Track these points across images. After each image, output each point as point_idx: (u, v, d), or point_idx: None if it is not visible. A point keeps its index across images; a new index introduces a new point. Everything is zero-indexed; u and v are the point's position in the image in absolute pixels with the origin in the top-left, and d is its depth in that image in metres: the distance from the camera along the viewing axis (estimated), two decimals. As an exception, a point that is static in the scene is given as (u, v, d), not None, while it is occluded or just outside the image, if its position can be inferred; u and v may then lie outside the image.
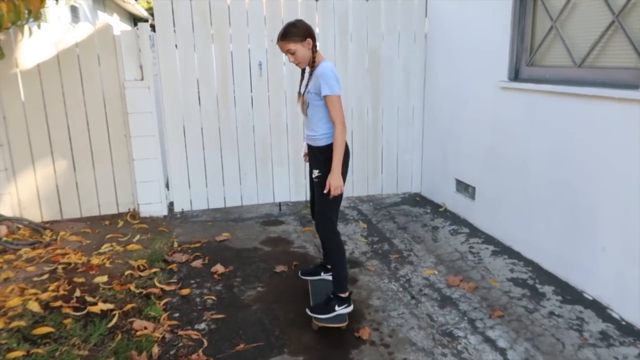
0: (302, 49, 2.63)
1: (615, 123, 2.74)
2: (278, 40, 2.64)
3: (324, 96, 2.61)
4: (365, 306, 3.02)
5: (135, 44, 4.27)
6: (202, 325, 2.78)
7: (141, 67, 4.31)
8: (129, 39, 4.27)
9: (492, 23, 3.78)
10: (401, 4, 4.77)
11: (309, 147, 2.87)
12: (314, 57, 2.68)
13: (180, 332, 2.68)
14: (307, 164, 2.99)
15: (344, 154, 2.68)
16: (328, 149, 2.69)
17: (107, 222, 4.39)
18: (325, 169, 2.69)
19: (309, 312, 2.79)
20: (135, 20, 18.10)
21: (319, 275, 3.24)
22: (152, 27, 4.48)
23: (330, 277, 3.00)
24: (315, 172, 2.77)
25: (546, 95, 3.25)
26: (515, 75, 3.63)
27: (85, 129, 4.37)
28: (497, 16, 3.71)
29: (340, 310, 2.75)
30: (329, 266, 3.14)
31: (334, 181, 2.64)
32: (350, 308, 2.82)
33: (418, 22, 4.85)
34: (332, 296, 2.79)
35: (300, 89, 2.83)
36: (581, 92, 2.92)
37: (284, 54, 2.72)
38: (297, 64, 2.71)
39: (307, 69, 2.76)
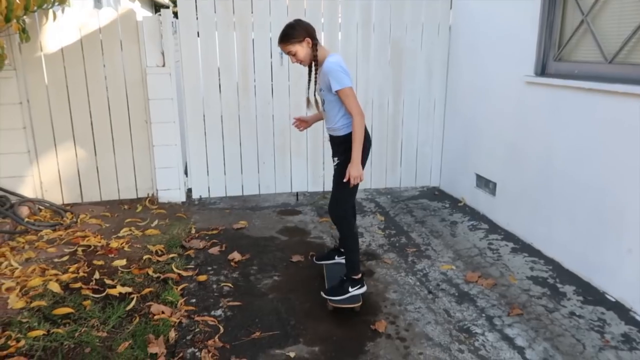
0: (302, 49, 2.67)
1: (646, 121, 2.66)
2: (278, 43, 2.70)
3: (336, 91, 2.64)
4: (382, 299, 3.00)
5: (157, 30, 4.28)
6: (219, 312, 2.80)
7: (163, 54, 4.32)
8: (151, 25, 4.27)
9: (519, 16, 3.69)
10: (426, -5, 4.69)
11: (331, 137, 2.93)
12: (316, 55, 2.70)
13: (197, 318, 2.70)
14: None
15: (365, 142, 2.72)
16: (347, 138, 2.72)
17: (126, 207, 4.43)
18: (344, 157, 2.74)
19: (323, 295, 2.87)
20: (156, 6, 18.18)
21: (333, 259, 3.31)
22: (175, 14, 4.48)
23: (343, 261, 3.11)
24: (335, 160, 2.85)
25: (574, 91, 3.17)
26: (542, 70, 3.54)
27: (107, 114, 4.41)
28: (525, 9, 3.61)
29: (353, 291, 2.84)
30: (342, 250, 3.21)
31: (353, 171, 2.67)
32: (364, 289, 2.91)
33: (442, 14, 4.77)
34: (345, 278, 2.88)
35: (307, 94, 2.88)
36: (612, 89, 2.84)
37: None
38: (300, 63, 2.75)
39: (313, 68, 2.80)
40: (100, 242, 3.61)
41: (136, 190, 4.62)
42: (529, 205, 3.72)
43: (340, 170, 2.78)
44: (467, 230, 4.07)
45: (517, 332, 2.67)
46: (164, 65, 4.33)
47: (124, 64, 4.34)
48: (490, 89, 4.14)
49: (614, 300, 2.94)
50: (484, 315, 2.84)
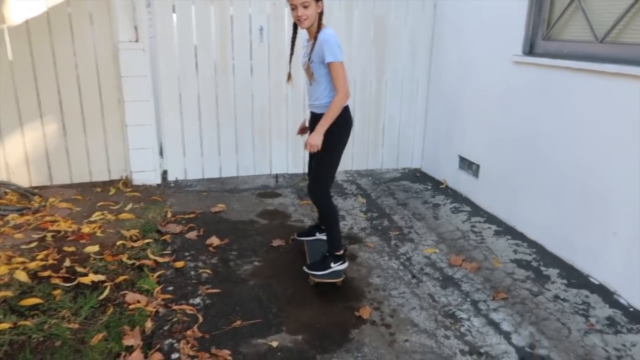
0: (314, 8, 2.57)
1: (636, 103, 2.61)
2: None
3: (328, 63, 2.58)
4: (365, 284, 2.93)
5: (130, 2, 4.04)
6: (197, 300, 2.69)
7: (136, 28, 4.09)
8: (123, -2, 4.03)
9: (507, -7, 3.60)
10: (410, -29, 4.55)
11: (313, 115, 2.87)
12: (319, 23, 2.63)
13: (175, 307, 2.58)
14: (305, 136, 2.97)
15: (346, 125, 2.77)
16: None
17: (98, 189, 4.24)
18: (327, 136, 2.68)
19: (305, 270, 2.88)
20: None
21: (314, 235, 3.29)
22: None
23: (324, 237, 3.12)
24: None
25: (563, 71, 3.10)
26: (530, 49, 3.46)
27: (77, 92, 4.17)
28: (513, -14, 3.52)
29: (335, 267, 2.86)
30: (323, 227, 3.21)
31: (312, 139, 2.64)
32: (345, 265, 2.93)
33: (427, -10, 4.65)
34: (327, 254, 2.89)
35: (289, 67, 2.88)
36: (602, 69, 2.77)
37: (286, 16, 2.62)
38: (302, 20, 2.58)
39: (307, 41, 2.73)
40: (70, 227, 3.44)
41: (109, 172, 4.42)
42: (512, 187, 3.68)
43: (322, 148, 2.70)
44: (450, 213, 4.02)
45: (503, 316, 2.64)
46: (137, 41, 4.11)
47: (95, 38, 4.10)
48: (476, 68, 4.06)
49: (597, 283, 2.93)
50: (469, 299, 2.80)
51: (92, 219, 3.62)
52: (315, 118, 2.82)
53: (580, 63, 2.94)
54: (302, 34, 2.84)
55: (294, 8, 2.57)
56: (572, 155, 3.08)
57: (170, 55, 4.25)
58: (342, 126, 2.76)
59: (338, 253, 2.89)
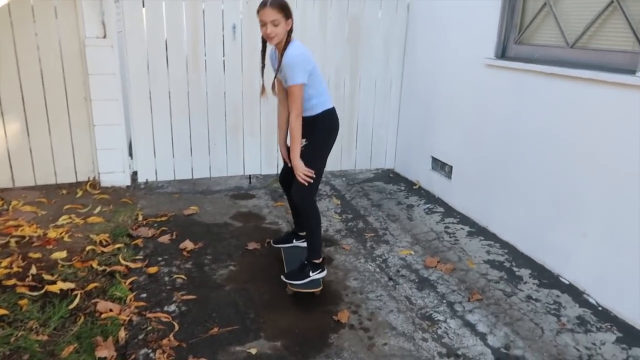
0: (283, 26, 2.57)
1: (608, 108, 2.68)
2: (266, 6, 2.50)
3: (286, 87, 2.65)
4: (343, 287, 2.93)
5: (97, -3, 3.90)
6: (172, 307, 2.62)
7: (104, 24, 3.95)
8: (90, -8, 3.89)
9: (480, -3, 3.64)
10: (384, -29, 4.56)
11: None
12: (288, 40, 2.62)
13: (149, 315, 2.51)
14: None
15: (331, 131, 2.84)
16: (317, 118, 2.76)
17: (64, 192, 4.08)
18: (313, 139, 2.75)
19: (283, 279, 2.83)
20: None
21: (291, 242, 3.26)
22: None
23: (301, 244, 3.12)
24: (304, 141, 2.74)
25: (535, 75, 3.16)
26: (503, 52, 3.52)
27: (41, 90, 4.00)
28: (486, -10, 3.57)
29: (314, 275, 2.81)
30: (300, 233, 3.21)
31: (297, 170, 2.71)
32: (324, 273, 2.88)
33: (401, -9, 4.66)
34: (306, 262, 2.83)
35: (262, 80, 2.97)
36: (573, 74, 2.84)
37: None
38: (271, 38, 2.57)
39: (275, 52, 2.75)
40: (36, 232, 3.29)
41: (75, 173, 4.26)
42: (485, 188, 3.74)
43: (306, 153, 2.74)
44: (424, 214, 4.06)
45: (478, 317, 2.68)
46: (105, 37, 3.97)
47: (60, 33, 3.93)
48: (449, 70, 4.10)
49: (567, 283, 3.01)
50: (445, 301, 2.83)
51: (58, 223, 3.48)
52: (303, 122, 2.72)
53: (551, 68, 3.00)
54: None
55: (263, 25, 2.55)
56: (544, 158, 3.15)
57: (140, 52, 4.12)
58: (329, 131, 2.83)
59: (317, 261, 2.83)
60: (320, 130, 2.78)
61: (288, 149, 2.87)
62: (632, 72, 2.54)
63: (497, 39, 3.50)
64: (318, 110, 2.75)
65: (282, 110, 2.98)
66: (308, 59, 2.63)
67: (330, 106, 2.80)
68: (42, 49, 3.92)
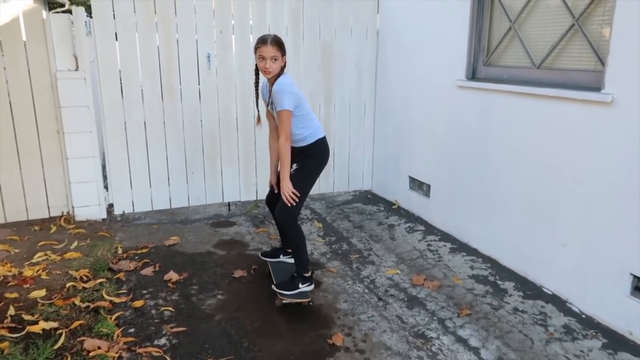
0: (280, 62, 2.76)
1: (576, 123, 2.83)
2: (267, 44, 2.70)
3: (277, 111, 2.77)
4: (334, 310, 2.92)
5: (68, 30, 3.86)
6: (163, 341, 2.55)
7: (75, 57, 3.90)
8: (61, 25, 3.85)
9: (448, 22, 3.80)
10: (353, -1, 4.70)
11: (291, 148, 2.97)
12: (279, 74, 2.79)
13: (139, 350, 2.43)
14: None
15: (323, 158, 3.01)
16: (307, 148, 2.93)
17: (37, 228, 3.95)
18: (303, 164, 2.94)
19: (274, 288, 2.92)
20: (50, 4, 16.67)
21: (278, 257, 3.34)
22: (88, 12, 4.08)
23: (288, 260, 3.24)
24: (294, 166, 2.93)
25: (505, 94, 3.31)
26: (473, 74, 3.67)
27: (10, 124, 3.90)
28: (453, 16, 3.73)
29: (303, 287, 2.91)
30: (288, 250, 3.29)
31: (284, 189, 2.81)
32: (312, 286, 2.97)
33: (370, 18, 4.81)
34: (295, 275, 2.94)
35: (256, 110, 3.20)
36: (542, 93, 2.99)
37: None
38: (267, 72, 2.75)
39: (267, 85, 2.91)
40: (10, 271, 3.16)
41: (48, 208, 4.13)
42: (463, 205, 3.84)
43: (295, 176, 2.90)
44: (405, 233, 4.12)
45: (470, 332, 2.71)
46: (77, 69, 3.92)
47: (30, 67, 3.86)
48: (421, 92, 4.23)
49: (550, 293, 3.10)
50: (435, 318, 2.86)
51: (34, 260, 3.35)
52: (294, 151, 2.90)
53: (520, 87, 3.15)
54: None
55: (262, 59, 2.71)
56: (519, 172, 3.27)
57: (114, 84, 4.09)
58: (319, 159, 2.99)
59: (306, 274, 2.94)
60: (312, 158, 2.95)
61: (278, 176, 2.97)
62: (597, 89, 2.69)
63: (467, 61, 3.65)
64: (310, 140, 2.92)
65: (272, 140, 3.11)
66: (296, 90, 2.79)
67: (321, 136, 2.97)
68: (11, 83, 3.84)
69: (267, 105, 2.93)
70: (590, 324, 2.78)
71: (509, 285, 3.23)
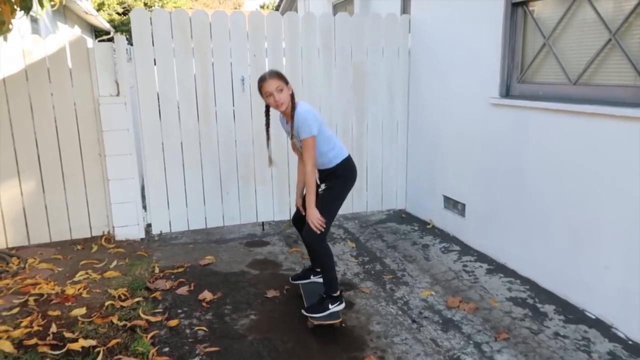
0: (286, 92, 2.79)
1: (615, 140, 2.73)
2: (267, 79, 2.77)
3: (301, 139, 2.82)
4: (366, 332, 2.88)
5: (110, 58, 4.05)
6: (196, 361, 2.58)
7: (117, 83, 4.08)
8: (104, 53, 4.04)
9: (480, 40, 3.77)
10: (385, 19, 4.73)
11: (319, 171, 3.05)
12: (293, 103, 2.83)
13: (173, 369, 2.47)
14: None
15: (351, 178, 3.03)
16: (336, 169, 2.97)
17: (79, 247, 4.10)
18: (331, 184, 2.97)
19: (304, 312, 2.92)
20: (96, 32, 17.54)
21: (309, 278, 3.33)
22: (129, 39, 4.27)
23: (318, 280, 3.20)
24: (322, 186, 2.98)
25: (541, 112, 3.23)
26: (507, 91, 3.61)
27: (56, 147, 4.09)
28: (486, 33, 3.70)
29: (333, 308, 2.90)
30: (317, 269, 3.27)
31: (311, 217, 2.82)
32: (343, 305, 2.97)
33: (402, 38, 4.82)
34: (325, 296, 2.93)
35: (268, 151, 3.27)
36: (579, 110, 2.91)
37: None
38: (280, 105, 2.79)
39: (284, 119, 2.99)
40: (54, 289, 3.29)
41: (90, 228, 4.29)
42: (500, 224, 3.74)
43: (324, 196, 2.93)
44: (440, 253, 4.05)
45: (507, 357, 2.62)
46: (118, 95, 4.09)
47: (75, 93, 4.06)
48: (454, 110, 4.19)
49: (594, 317, 2.96)
50: (471, 342, 2.78)
51: (75, 279, 3.47)
52: (321, 172, 3.02)
53: (557, 104, 3.08)
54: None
55: (269, 95, 2.77)
56: (557, 190, 3.17)
57: (152, 108, 4.24)
58: (347, 178, 3.01)
59: (335, 294, 2.92)
60: (340, 177, 2.98)
61: (304, 198, 3.01)
62: (638, 105, 2.60)
63: (501, 78, 3.60)
64: (336, 161, 2.95)
65: (300, 166, 3.14)
66: (316, 114, 2.82)
67: (345, 155, 3.00)
68: (57, 109, 4.04)
69: (292, 138, 2.94)
70: (637, 351, 2.63)
71: (549, 308, 3.11)
